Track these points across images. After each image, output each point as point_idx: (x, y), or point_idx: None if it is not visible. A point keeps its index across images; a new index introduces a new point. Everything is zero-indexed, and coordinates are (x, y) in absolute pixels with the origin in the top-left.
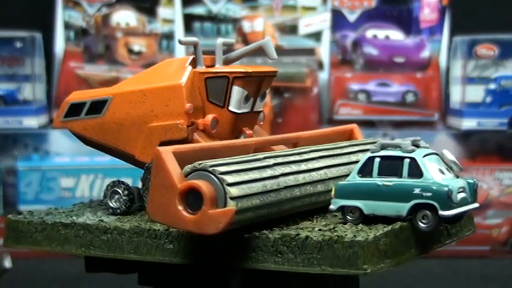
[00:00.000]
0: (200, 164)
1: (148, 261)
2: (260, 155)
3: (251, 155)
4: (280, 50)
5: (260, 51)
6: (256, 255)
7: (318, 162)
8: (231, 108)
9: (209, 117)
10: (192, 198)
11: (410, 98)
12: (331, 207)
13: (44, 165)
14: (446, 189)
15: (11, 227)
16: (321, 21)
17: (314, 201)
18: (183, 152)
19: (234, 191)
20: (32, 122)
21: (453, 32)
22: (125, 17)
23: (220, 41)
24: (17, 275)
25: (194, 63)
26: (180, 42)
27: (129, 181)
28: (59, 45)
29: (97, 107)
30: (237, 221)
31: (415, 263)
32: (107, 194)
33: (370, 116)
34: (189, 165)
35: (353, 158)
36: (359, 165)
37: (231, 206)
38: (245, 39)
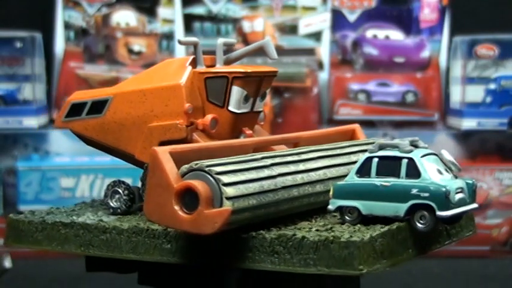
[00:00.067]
0: (197, 164)
1: (147, 261)
2: (258, 155)
3: (249, 155)
4: (280, 50)
5: (260, 51)
6: (253, 255)
7: (317, 163)
8: (230, 108)
9: (208, 117)
10: (189, 198)
11: (410, 98)
12: (329, 207)
13: (44, 165)
14: (443, 189)
15: (11, 226)
16: (321, 21)
17: (313, 201)
18: (180, 152)
19: (230, 191)
20: (32, 122)
21: (453, 32)
22: (124, 17)
23: (221, 41)
24: (17, 275)
25: (194, 63)
26: (180, 42)
27: (129, 181)
28: (59, 45)
29: (98, 107)
30: (234, 221)
31: (415, 263)
32: (107, 193)
33: (370, 116)
34: (186, 165)
35: (353, 158)
36: (357, 165)
37: (227, 206)
38: (245, 39)
